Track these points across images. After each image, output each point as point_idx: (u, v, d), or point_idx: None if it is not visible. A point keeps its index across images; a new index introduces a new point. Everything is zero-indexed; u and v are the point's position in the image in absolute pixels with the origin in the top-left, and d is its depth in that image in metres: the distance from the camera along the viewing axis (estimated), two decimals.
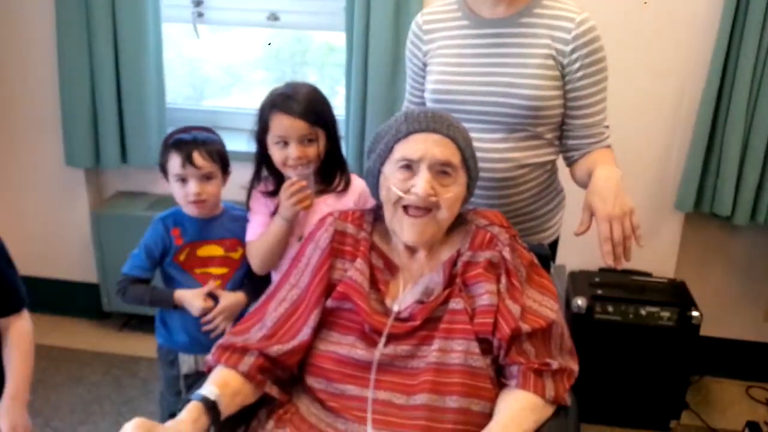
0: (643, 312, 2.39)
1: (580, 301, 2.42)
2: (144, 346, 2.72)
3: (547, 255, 1.53)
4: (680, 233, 2.56)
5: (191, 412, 1.15)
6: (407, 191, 1.31)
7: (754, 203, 2.42)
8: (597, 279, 2.53)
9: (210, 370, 1.28)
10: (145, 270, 1.79)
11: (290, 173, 1.64)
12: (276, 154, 1.65)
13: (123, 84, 2.59)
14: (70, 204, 2.87)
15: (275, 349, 1.28)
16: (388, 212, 1.35)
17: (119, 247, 2.26)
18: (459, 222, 1.40)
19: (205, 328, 1.74)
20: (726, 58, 2.28)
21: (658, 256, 2.58)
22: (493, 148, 1.60)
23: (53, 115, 2.71)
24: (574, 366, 1.34)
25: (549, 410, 1.26)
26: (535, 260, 1.39)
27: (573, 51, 1.53)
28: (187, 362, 1.81)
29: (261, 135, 1.68)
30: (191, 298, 1.73)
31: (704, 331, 2.54)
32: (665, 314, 2.38)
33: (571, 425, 1.29)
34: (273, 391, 1.29)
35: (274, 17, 2.70)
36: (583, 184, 1.58)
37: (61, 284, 3.00)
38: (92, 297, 2.91)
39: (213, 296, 1.74)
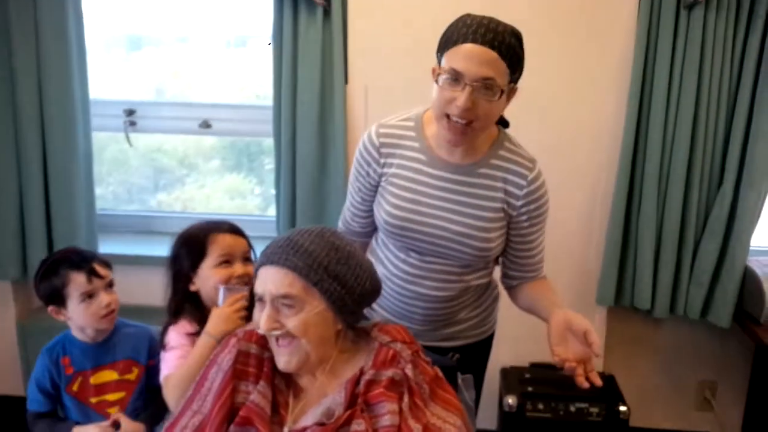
0: (572, 408, 2.43)
1: (510, 400, 2.45)
2: None
3: (453, 366, 1.56)
4: (605, 327, 2.62)
5: None
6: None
7: (672, 296, 2.51)
8: (527, 375, 2.56)
9: None
10: (42, 404, 1.76)
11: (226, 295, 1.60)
12: (219, 274, 1.61)
13: (52, 195, 2.60)
14: None
15: None
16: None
17: None
18: (363, 338, 1.42)
19: None
20: (633, 159, 2.42)
21: None
22: (440, 270, 1.66)
23: None
24: None
25: None
26: (440, 374, 1.41)
27: (523, 206, 1.61)
28: None
29: (191, 267, 1.63)
30: None
31: (635, 422, 2.59)
32: (594, 410, 2.42)
33: None
34: None
35: (206, 124, 2.78)
36: (526, 309, 1.72)
37: None
38: (18, 412, 2.79)
39: (117, 424, 1.69)
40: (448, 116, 1.47)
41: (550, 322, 1.54)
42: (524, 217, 1.63)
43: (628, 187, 2.43)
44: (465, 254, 1.62)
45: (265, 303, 1.32)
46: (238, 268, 1.63)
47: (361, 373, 1.35)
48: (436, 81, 1.47)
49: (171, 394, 1.52)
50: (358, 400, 1.31)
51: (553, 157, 2.47)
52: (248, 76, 2.96)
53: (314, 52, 2.40)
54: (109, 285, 1.75)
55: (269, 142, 2.61)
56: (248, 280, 1.61)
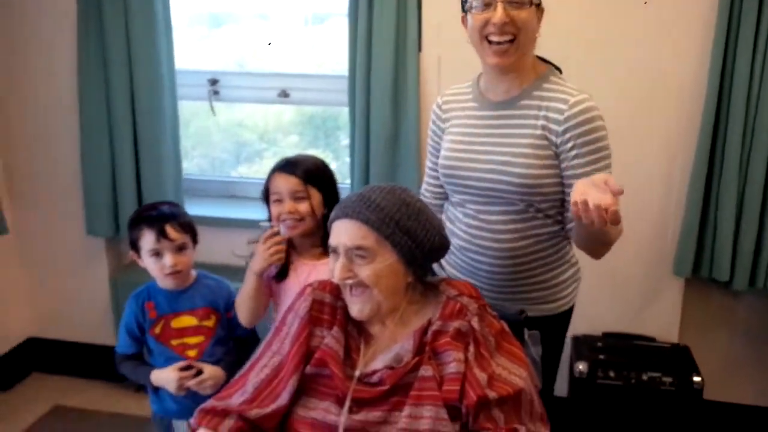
0: (644, 377, 2.40)
1: (581, 366, 2.44)
2: None
3: (520, 322, 1.58)
4: (681, 299, 2.58)
5: None
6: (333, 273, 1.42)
7: (752, 268, 2.43)
8: (599, 344, 2.55)
9: None
10: (129, 346, 1.90)
11: (282, 230, 1.75)
12: (273, 210, 1.77)
13: (142, 159, 2.75)
14: (91, 271, 3.00)
15: (254, 413, 1.35)
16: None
17: None
18: (431, 292, 1.47)
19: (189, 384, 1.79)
20: (716, 121, 2.33)
21: (660, 321, 2.60)
22: (496, 220, 1.66)
23: (75, 187, 2.87)
24: (544, 430, 1.38)
25: None
26: (506, 328, 1.44)
27: (565, 131, 1.57)
28: (180, 427, 1.89)
29: (266, 195, 1.82)
30: (166, 381, 1.81)
31: (710, 396, 2.54)
32: (667, 379, 2.38)
33: None
34: None
35: (284, 94, 2.87)
36: (577, 237, 1.61)
37: (80, 347, 3.11)
38: (110, 360, 2.99)
39: (199, 371, 1.80)
40: (489, 41, 1.55)
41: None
42: (569, 145, 1.57)
43: (710, 152, 2.35)
44: (511, 189, 1.61)
45: (339, 254, 1.40)
46: (287, 205, 1.74)
47: (429, 323, 1.40)
48: (465, 18, 1.60)
49: (238, 314, 1.85)
50: (425, 349, 1.37)
51: (632, 121, 2.45)
52: (325, 53, 3.02)
53: (389, 21, 2.43)
54: (180, 248, 1.82)
55: (346, 118, 2.68)
56: (299, 217, 1.75)
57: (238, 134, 3.20)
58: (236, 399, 1.39)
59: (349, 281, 1.38)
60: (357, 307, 1.41)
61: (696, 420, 2.38)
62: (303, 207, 1.75)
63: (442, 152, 1.74)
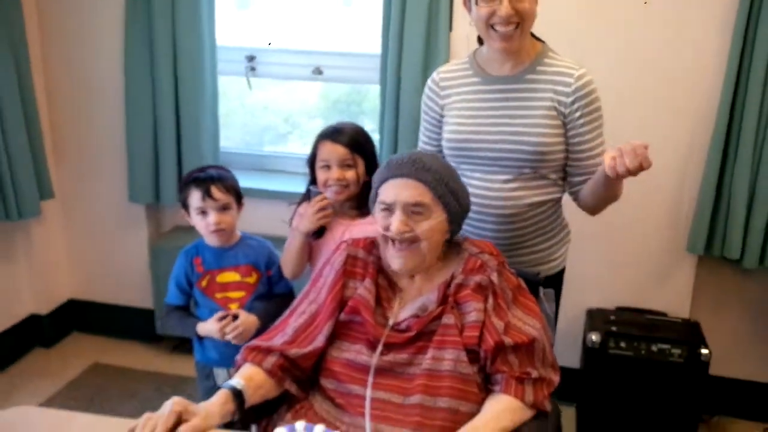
0: (654, 348, 2.51)
1: (594, 336, 2.56)
2: (191, 367, 2.94)
3: (536, 281, 1.72)
4: (693, 275, 2.68)
5: (220, 397, 1.38)
6: (387, 228, 1.53)
7: (762, 247, 2.52)
8: (613, 317, 2.66)
9: (239, 367, 1.51)
10: (177, 298, 2.05)
11: (329, 195, 1.90)
12: (320, 176, 1.92)
13: (182, 130, 2.90)
14: (132, 236, 3.16)
15: (294, 352, 1.50)
16: (381, 245, 1.58)
17: None
18: (454, 249, 1.60)
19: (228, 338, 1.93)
20: (732, 101, 2.41)
21: (672, 297, 2.70)
22: (502, 188, 1.81)
23: (120, 156, 3.02)
24: (555, 377, 1.51)
25: (528, 413, 1.44)
26: (522, 284, 1.58)
27: (573, 102, 1.76)
28: (221, 375, 2.05)
29: (311, 161, 1.96)
30: (209, 330, 1.95)
31: (718, 371, 2.64)
32: (676, 351, 2.49)
33: (550, 428, 1.45)
34: (292, 388, 1.50)
35: (318, 71, 3.00)
36: (590, 196, 1.80)
37: (120, 309, 3.29)
38: (147, 322, 3.18)
39: (235, 316, 1.94)
40: (495, 29, 1.69)
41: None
42: (578, 114, 1.76)
43: (726, 133, 2.44)
44: (523, 157, 1.77)
45: (393, 211, 1.52)
46: (335, 173, 1.88)
47: (452, 277, 1.54)
48: (468, 3, 1.76)
49: (283, 268, 2.02)
50: (448, 300, 1.51)
51: (650, 100, 2.53)
52: (358, 33, 3.14)
53: (421, 1, 2.54)
54: (224, 207, 1.96)
55: (370, 104, 2.78)
56: (345, 184, 1.89)
57: (263, 118, 3.32)
58: (277, 340, 1.54)
59: (407, 234, 1.50)
60: (401, 261, 1.53)
61: (702, 392, 2.49)
62: (350, 174, 1.90)
63: (450, 127, 1.87)
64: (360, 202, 1.92)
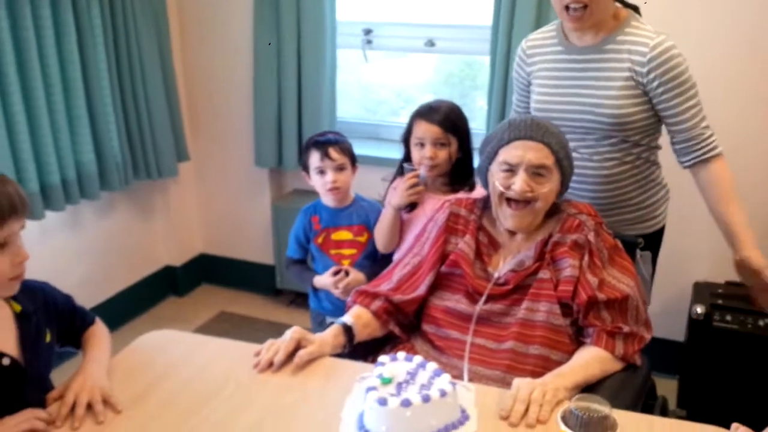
0: (761, 323, 2.46)
1: (699, 309, 2.54)
2: (306, 319, 3.17)
3: (633, 243, 1.77)
4: None
5: (333, 330, 1.57)
6: (508, 188, 1.60)
7: None
8: (720, 290, 2.63)
9: (349, 308, 1.68)
10: (297, 252, 2.24)
11: (421, 172, 1.98)
12: (414, 153, 2.01)
13: (303, 101, 3.10)
14: (256, 197, 3.41)
15: (398, 297, 1.66)
16: (494, 203, 1.66)
17: None
18: (553, 210, 1.68)
19: (337, 293, 2.10)
20: None
21: None
22: (593, 152, 1.87)
23: (247, 125, 3.27)
24: (646, 334, 1.57)
25: (617, 365, 1.51)
26: (619, 245, 1.64)
27: (649, 72, 1.76)
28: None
29: (406, 138, 2.05)
30: (324, 283, 2.12)
31: None
32: None
33: (639, 380, 1.53)
34: (395, 329, 1.67)
35: (431, 43, 3.11)
36: (713, 213, 1.86)
37: (244, 264, 3.57)
38: (269, 276, 3.45)
39: (347, 272, 2.11)
40: (567, 9, 1.74)
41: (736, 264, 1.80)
42: (655, 83, 1.76)
43: None
44: (605, 126, 1.81)
45: (516, 172, 1.60)
46: (428, 151, 1.96)
47: (550, 236, 1.63)
48: None
49: (376, 240, 2.10)
50: (545, 256, 1.61)
51: (742, 87, 2.48)
52: (470, 4, 3.19)
53: None
54: (340, 168, 2.11)
55: (483, 79, 2.84)
56: (438, 161, 1.95)
57: (376, 93, 3.44)
58: (384, 287, 1.71)
59: (529, 194, 1.58)
60: (516, 220, 1.61)
61: None
62: (442, 153, 1.97)
63: (535, 96, 1.94)
64: (452, 179, 2.01)
